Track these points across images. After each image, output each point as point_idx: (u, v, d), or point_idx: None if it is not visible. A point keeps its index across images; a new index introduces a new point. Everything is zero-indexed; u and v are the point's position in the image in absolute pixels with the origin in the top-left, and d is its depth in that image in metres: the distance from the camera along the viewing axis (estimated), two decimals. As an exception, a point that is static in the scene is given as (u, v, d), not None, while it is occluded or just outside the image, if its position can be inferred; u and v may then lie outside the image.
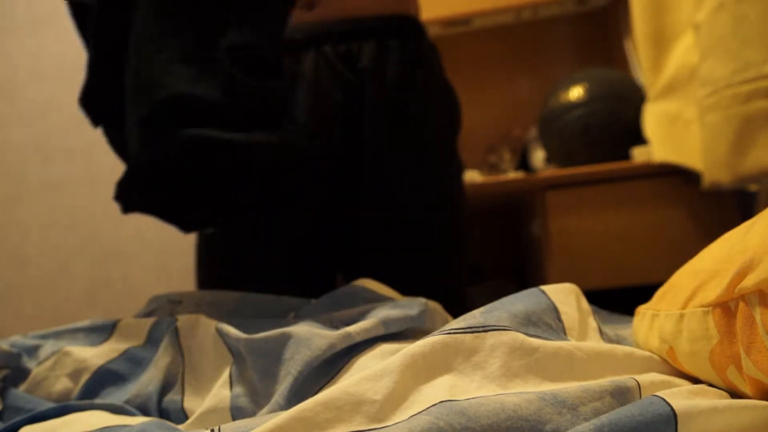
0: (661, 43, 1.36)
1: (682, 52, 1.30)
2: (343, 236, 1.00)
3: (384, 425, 0.36)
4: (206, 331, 0.60)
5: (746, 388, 0.36)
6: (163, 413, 0.57)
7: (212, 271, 1.01)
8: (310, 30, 0.99)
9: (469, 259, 1.07)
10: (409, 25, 1.03)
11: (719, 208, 1.35)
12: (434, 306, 0.62)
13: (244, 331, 0.55)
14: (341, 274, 1.05)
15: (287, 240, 0.97)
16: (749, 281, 0.34)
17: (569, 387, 0.38)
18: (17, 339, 0.70)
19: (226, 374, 0.55)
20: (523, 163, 1.80)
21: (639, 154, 1.41)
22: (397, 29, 1.01)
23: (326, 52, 0.98)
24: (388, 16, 1.01)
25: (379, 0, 1.01)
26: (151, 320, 0.68)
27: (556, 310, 0.48)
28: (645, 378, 0.39)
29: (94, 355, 0.64)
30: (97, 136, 2.22)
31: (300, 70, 0.98)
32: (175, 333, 0.62)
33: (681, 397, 0.34)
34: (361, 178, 0.97)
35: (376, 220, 0.97)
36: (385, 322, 0.54)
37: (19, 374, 0.64)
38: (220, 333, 0.57)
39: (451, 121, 1.06)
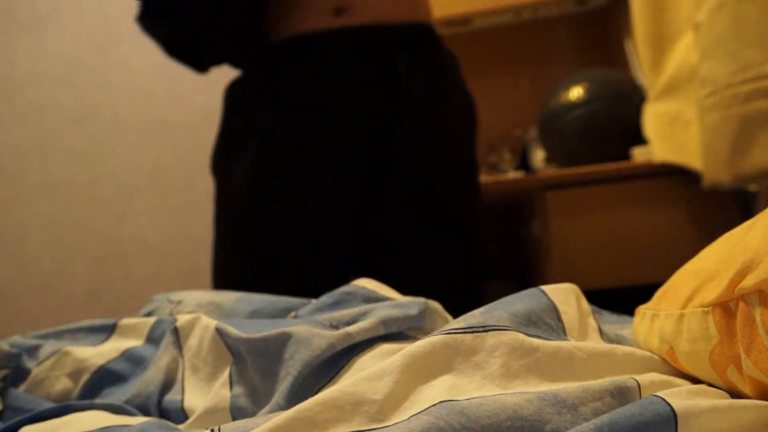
0: (661, 43, 1.36)
1: (682, 52, 1.30)
2: (365, 234, 1.02)
3: (384, 425, 0.36)
4: (206, 330, 0.60)
5: (746, 388, 0.36)
6: (163, 413, 0.57)
7: (229, 265, 1.02)
8: (339, 36, 1.00)
9: (485, 258, 1.09)
10: (433, 34, 1.07)
11: (719, 208, 1.35)
12: (434, 306, 0.61)
13: (244, 330, 0.55)
14: (355, 272, 1.06)
15: (309, 236, 0.99)
16: (749, 281, 0.34)
17: (569, 387, 0.38)
18: (17, 339, 0.70)
19: (226, 374, 0.55)
20: (523, 163, 1.80)
21: (639, 154, 1.41)
22: (424, 38, 1.05)
23: (357, 59, 0.99)
24: (415, 25, 1.04)
25: (406, 8, 1.03)
26: (151, 320, 0.68)
27: (556, 310, 0.48)
28: (645, 378, 0.39)
29: (94, 355, 0.64)
30: (97, 136, 2.23)
31: (331, 75, 0.98)
32: (175, 333, 0.62)
33: (681, 397, 0.34)
34: (389, 178, 0.99)
35: (402, 218, 1.00)
36: (385, 322, 0.54)
37: (19, 374, 0.64)
38: (220, 332, 0.57)
39: (471, 125, 1.09)
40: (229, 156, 1.04)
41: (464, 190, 1.05)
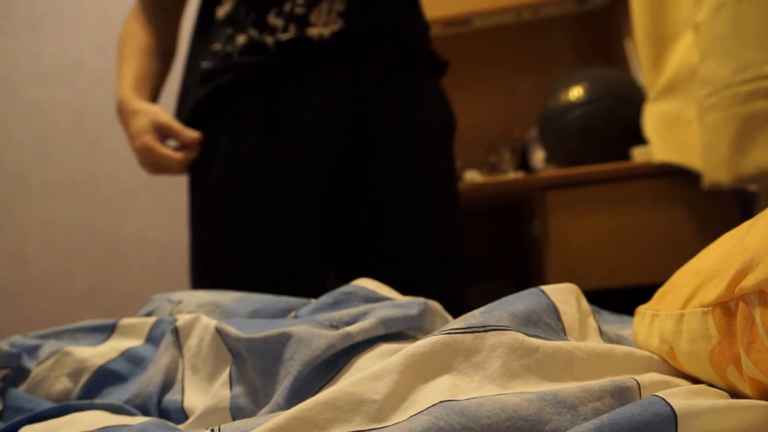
0: (661, 43, 1.36)
1: (682, 52, 1.30)
2: (340, 232, 1.02)
3: (384, 425, 0.36)
4: (206, 330, 0.60)
5: (746, 388, 0.36)
6: (163, 413, 0.57)
7: (207, 264, 1.01)
8: (314, 39, 0.99)
9: (465, 259, 1.09)
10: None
11: (719, 208, 1.35)
12: (434, 306, 0.62)
13: (244, 330, 0.55)
14: (334, 272, 1.06)
15: (283, 233, 0.98)
16: (749, 281, 0.34)
17: (569, 387, 0.38)
18: (17, 339, 0.70)
19: (226, 374, 0.55)
20: (523, 163, 1.80)
21: (639, 154, 1.41)
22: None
23: (332, 62, 0.98)
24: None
25: None
26: (151, 320, 0.68)
27: (556, 310, 0.48)
28: (645, 378, 0.39)
29: (94, 355, 0.64)
30: (97, 136, 2.23)
31: (305, 79, 0.98)
32: (175, 333, 0.62)
33: (681, 397, 0.34)
34: (363, 180, 0.99)
35: (376, 220, 0.99)
36: (385, 322, 0.54)
37: (19, 374, 0.64)
38: (220, 333, 0.57)
39: (448, 128, 1.09)
40: (202, 152, 1.03)
41: (439, 191, 1.04)
